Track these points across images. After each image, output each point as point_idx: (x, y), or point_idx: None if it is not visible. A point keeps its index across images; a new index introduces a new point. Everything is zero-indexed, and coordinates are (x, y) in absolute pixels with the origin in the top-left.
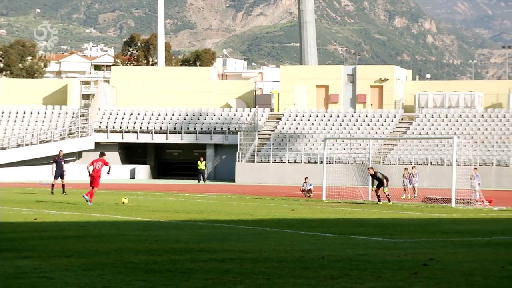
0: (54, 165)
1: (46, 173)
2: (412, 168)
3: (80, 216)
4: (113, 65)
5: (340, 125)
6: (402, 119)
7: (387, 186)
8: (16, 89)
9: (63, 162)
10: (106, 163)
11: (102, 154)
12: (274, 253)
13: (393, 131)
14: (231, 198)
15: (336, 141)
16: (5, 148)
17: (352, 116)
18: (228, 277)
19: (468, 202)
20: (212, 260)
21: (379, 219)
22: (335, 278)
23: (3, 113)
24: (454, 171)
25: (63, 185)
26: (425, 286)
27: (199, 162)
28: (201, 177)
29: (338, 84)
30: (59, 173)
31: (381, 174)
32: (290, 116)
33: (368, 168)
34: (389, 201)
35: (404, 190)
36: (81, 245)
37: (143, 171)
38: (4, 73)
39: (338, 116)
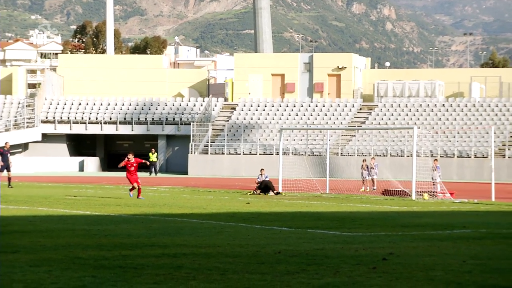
0: (0, 157)
1: None
2: (371, 159)
3: (26, 210)
4: (61, 53)
5: (297, 115)
6: (360, 109)
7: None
8: None
9: (9, 155)
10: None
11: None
12: (229, 248)
13: (352, 121)
14: (183, 191)
15: (292, 131)
16: None
17: (309, 106)
18: (181, 273)
19: (430, 195)
20: (164, 255)
21: (337, 212)
22: (291, 273)
23: None
24: (414, 163)
25: (9, 178)
26: (384, 281)
27: (150, 154)
28: (153, 169)
29: (295, 72)
30: (6, 166)
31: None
32: (244, 106)
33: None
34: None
35: (363, 182)
36: (27, 240)
37: (92, 163)
38: None
39: (294, 106)
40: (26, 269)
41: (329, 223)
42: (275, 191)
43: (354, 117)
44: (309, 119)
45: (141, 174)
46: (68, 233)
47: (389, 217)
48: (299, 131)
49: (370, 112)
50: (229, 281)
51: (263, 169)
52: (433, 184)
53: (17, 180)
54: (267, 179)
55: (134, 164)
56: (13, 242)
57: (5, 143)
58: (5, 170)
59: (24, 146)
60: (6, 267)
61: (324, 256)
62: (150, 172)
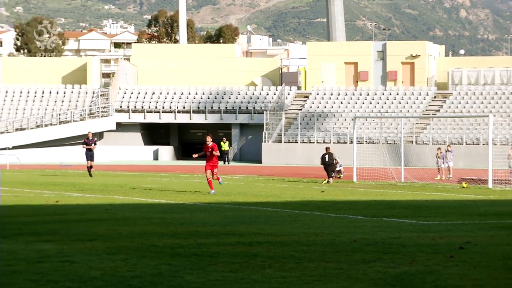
0: (85, 147)
1: (67, 154)
2: (447, 147)
3: (102, 198)
4: (135, 42)
5: (370, 103)
6: (435, 97)
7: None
8: (34, 68)
9: (93, 144)
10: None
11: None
12: (304, 236)
13: (426, 110)
14: (258, 180)
15: (366, 120)
16: (24, 129)
17: (383, 94)
18: (256, 261)
19: (506, 183)
20: (239, 243)
21: (412, 201)
22: (367, 262)
23: (21, 93)
24: (491, 151)
25: (90, 167)
26: (461, 270)
27: (222, 143)
28: (225, 158)
29: (368, 61)
30: (89, 155)
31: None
32: (318, 94)
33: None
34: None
35: (438, 170)
36: (104, 228)
37: (166, 152)
38: (22, 51)
39: (368, 94)
40: (103, 257)
41: (405, 211)
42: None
43: (429, 105)
44: (382, 108)
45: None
46: (144, 221)
47: (465, 205)
48: (373, 120)
49: (445, 100)
50: (304, 269)
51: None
52: (510, 173)
53: (93, 169)
54: (341, 167)
55: (210, 150)
56: (90, 230)
57: (88, 133)
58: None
59: (99, 135)
60: (84, 254)
61: (400, 245)
62: (224, 161)
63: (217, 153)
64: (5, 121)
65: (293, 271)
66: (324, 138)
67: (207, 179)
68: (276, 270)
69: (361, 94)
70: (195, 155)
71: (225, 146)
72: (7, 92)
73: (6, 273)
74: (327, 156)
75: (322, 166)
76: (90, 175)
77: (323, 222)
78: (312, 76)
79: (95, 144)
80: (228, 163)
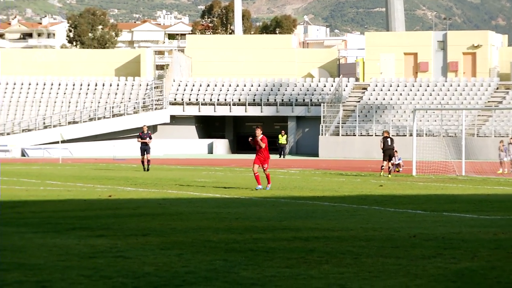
0: (140, 140)
1: (120, 148)
2: (510, 140)
3: (156, 193)
4: (189, 33)
5: (431, 95)
6: (497, 88)
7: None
8: (87, 60)
9: (148, 138)
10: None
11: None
12: (362, 231)
13: (488, 101)
14: (314, 174)
15: (426, 112)
16: (77, 122)
17: (443, 86)
18: (313, 257)
19: None
20: (296, 238)
21: (474, 195)
22: (427, 257)
23: (74, 85)
24: None
25: (148, 161)
26: None
27: (280, 136)
28: (282, 152)
29: (428, 51)
30: (144, 149)
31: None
32: (376, 86)
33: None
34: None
35: (501, 164)
36: (158, 223)
37: (221, 146)
38: (74, 43)
39: (428, 86)
40: (157, 252)
41: (466, 206)
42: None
43: (491, 97)
44: (443, 99)
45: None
46: (198, 216)
47: None
48: (433, 112)
49: (508, 91)
50: (362, 265)
51: (396, 151)
52: None
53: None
54: (400, 160)
55: (258, 142)
56: (143, 225)
57: (143, 126)
58: (145, 153)
59: (153, 129)
60: (137, 250)
61: (461, 240)
62: (280, 155)
63: (262, 144)
64: (58, 114)
65: (351, 267)
66: (383, 131)
67: (254, 174)
68: (333, 266)
69: (421, 86)
70: (250, 139)
71: (282, 139)
72: (59, 84)
73: (58, 269)
74: (389, 140)
75: (382, 149)
76: (145, 169)
77: (382, 217)
78: (371, 67)
79: (150, 138)
80: (284, 157)
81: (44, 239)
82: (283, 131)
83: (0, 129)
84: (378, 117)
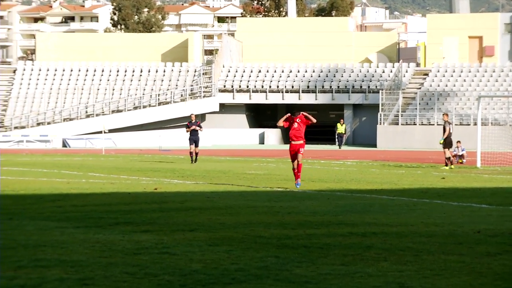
0: (188, 130)
1: (166, 138)
2: None
3: (204, 186)
4: (240, 16)
5: (497, 81)
6: None
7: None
8: (132, 45)
9: (197, 128)
10: (307, 122)
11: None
12: (422, 227)
13: None
14: (372, 165)
15: (492, 99)
16: (121, 111)
17: (510, 71)
18: (371, 254)
19: None
20: (352, 234)
21: None
22: (492, 254)
23: (118, 71)
24: None
25: (196, 153)
26: None
27: (338, 125)
28: (340, 141)
29: (494, 34)
30: (193, 140)
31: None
32: (438, 71)
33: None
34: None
35: None
36: (206, 217)
37: (273, 136)
38: (119, 27)
39: (494, 71)
40: (205, 249)
41: None
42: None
43: None
44: (510, 86)
45: (325, 147)
46: (249, 210)
47: None
48: (499, 99)
49: None
50: (423, 262)
51: (459, 141)
52: None
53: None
54: (464, 151)
55: (297, 120)
56: (190, 219)
57: (190, 115)
58: (193, 144)
59: (201, 118)
60: (184, 246)
61: None
62: (339, 145)
63: (313, 119)
64: (101, 102)
65: (411, 264)
66: (443, 113)
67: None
68: (392, 263)
69: (486, 71)
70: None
71: (341, 128)
72: (103, 71)
73: (101, 265)
74: (451, 126)
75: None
76: (193, 161)
77: (444, 211)
78: (433, 52)
79: (200, 127)
80: (340, 147)
81: (86, 235)
82: (342, 120)
83: (40, 119)
84: (440, 105)
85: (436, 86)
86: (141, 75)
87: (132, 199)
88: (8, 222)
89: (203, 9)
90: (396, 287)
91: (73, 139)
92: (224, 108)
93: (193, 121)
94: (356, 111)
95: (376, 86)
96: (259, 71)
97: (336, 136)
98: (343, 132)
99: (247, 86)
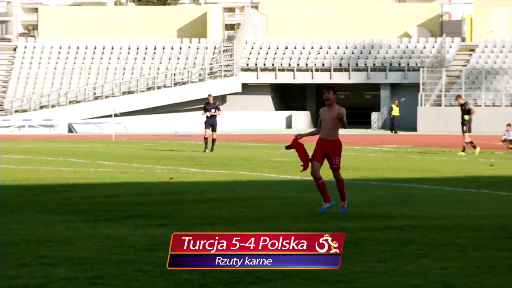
0: (204, 113)
1: (183, 122)
2: None
3: (225, 175)
4: None
5: None
6: None
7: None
8: (145, 19)
9: (214, 110)
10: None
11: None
12: (468, 220)
13: None
14: (412, 152)
15: None
16: (133, 92)
17: None
18: (410, 249)
19: None
20: (389, 228)
21: None
22: None
23: (129, 49)
24: None
25: (213, 140)
26: None
27: (393, 106)
28: (394, 126)
29: None
30: (209, 123)
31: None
32: (486, 47)
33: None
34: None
35: None
36: (227, 210)
37: (301, 119)
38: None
39: None
40: None
41: None
42: None
43: None
44: None
45: (359, 131)
46: (275, 201)
47: None
48: None
49: None
50: (469, 259)
51: (509, 124)
52: None
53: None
54: None
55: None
56: (210, 212)
57: (208, 96)
58: (210, 129)
59: (221, 99)
60: None
61: None
62: (392, 129)
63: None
64: (111, 83)
65: (456, 261)
66: (494, 100)
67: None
68: (434, 260)
69: None
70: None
71: (396, 110)
72: (112, 48)
73: (112, 263)
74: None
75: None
76: (207, 148)
77: (492, 202)
78: (480, 25)
79: (218, 110)
80: (396, 132)
81: (95, 229)
82: (396, 101)
83: (44, 101)
84: (488, 84)
85: (484, 63)
86: (155, 53)
87: (146, 190)
88: (9, 216)
89: None
90: (439, 287)
91: (80, 124)
92: (247, 88)
93: (211, 102)
94: (394, 92)
95: (416, 64)
96: (286, 48)
97: (391, 120)
98: (398, 115)
99: (273, 65)
